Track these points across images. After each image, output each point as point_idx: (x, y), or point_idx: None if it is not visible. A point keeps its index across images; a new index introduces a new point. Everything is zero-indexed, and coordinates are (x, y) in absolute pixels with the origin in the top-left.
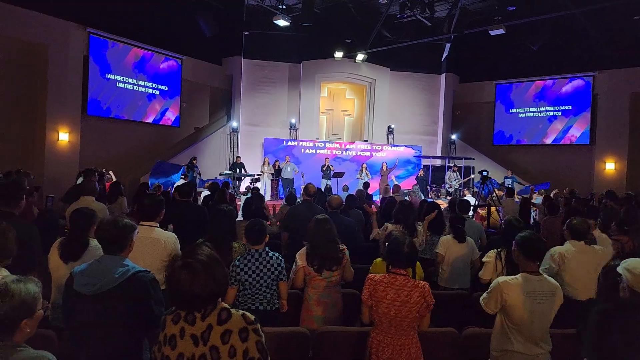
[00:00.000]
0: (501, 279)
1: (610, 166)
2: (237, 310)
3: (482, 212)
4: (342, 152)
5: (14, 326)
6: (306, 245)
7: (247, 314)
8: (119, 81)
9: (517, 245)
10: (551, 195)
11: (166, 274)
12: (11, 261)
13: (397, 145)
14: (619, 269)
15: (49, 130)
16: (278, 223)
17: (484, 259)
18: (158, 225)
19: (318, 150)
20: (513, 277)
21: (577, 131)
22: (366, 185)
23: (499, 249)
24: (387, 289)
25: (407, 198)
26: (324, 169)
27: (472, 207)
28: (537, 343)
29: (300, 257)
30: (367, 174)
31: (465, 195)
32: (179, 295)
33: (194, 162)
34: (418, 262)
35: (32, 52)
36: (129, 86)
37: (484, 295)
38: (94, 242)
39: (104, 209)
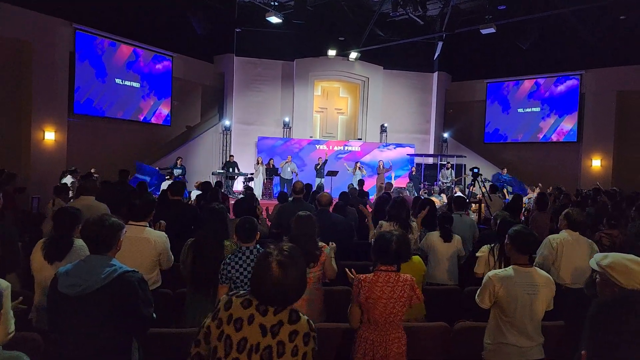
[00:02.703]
0: (491, 272)
1: (596, 163)
2: (303, 314)
3: (473, 208)
4: (342, 149)
5: None
6: (285, 240)
7: (311, 321)
8: (108, 79)
9: (510, 239)
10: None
11: (258, 269)
12: None
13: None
14: (593, 264)
15: (34, 130)
16: (269, 223)
17: (477, 254)
18: (148, 224)
19: (318, 146)
20: (503, 269)
21: (566, 129)
22: (361, 182)
23: (492, 244)
24: (383, 288)
25: (398, 195)
26: (318, 167)
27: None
28: (529, 335)
29: None
30: (362, 171)
31: (456, 193)
32: (269, 291)
33: (179, 162)
34: (419, 257)
35: (16, 49)
36: (117, 84)
37: (478, 291)
38: (78, 242)
39: (105, 209)
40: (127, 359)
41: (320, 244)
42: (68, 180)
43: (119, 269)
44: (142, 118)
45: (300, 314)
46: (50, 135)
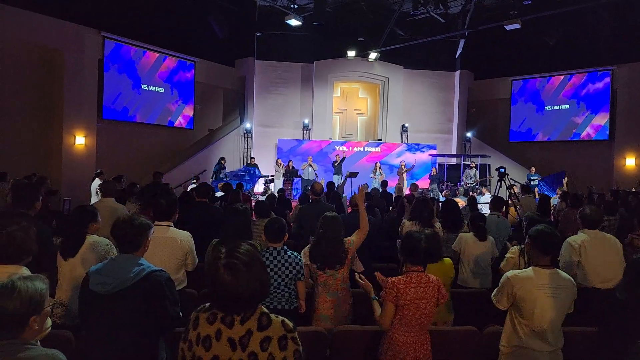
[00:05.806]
0: (510, 273)
1: (630, 162)
2: (276, 316)
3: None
4: (362, 150)
5: (23, 323)
6: (311, 242)
7: (287, 320)
8: (134, 84)
9: (531, 239)
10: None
11: (209, 274)
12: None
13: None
14: None
15: (65, 134)
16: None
17: (507, 255)
18: (173, 224)
19: (337, 147)
20: (522, 270)
21: (596, 127)
22: (384, 183)
23: (522, 245)
24: (417, 289)
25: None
26: (336, 165)
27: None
28: (547, 339)
29: (304, 255)
30: (381, 172)
31: (484, 194)
32: (221, 297)
33: (222, 162)
34: (450, 260)
35: (48, 56)
36: (143, 89)
37: (495, 291)
38: (91, 238)
39: (123, 210)
40: (154, 357)
41: (346, 239)
42: (96, 183)
43: (147, 268)
44: (166, 122)
45: (272, 317)
46: (80, 140)
